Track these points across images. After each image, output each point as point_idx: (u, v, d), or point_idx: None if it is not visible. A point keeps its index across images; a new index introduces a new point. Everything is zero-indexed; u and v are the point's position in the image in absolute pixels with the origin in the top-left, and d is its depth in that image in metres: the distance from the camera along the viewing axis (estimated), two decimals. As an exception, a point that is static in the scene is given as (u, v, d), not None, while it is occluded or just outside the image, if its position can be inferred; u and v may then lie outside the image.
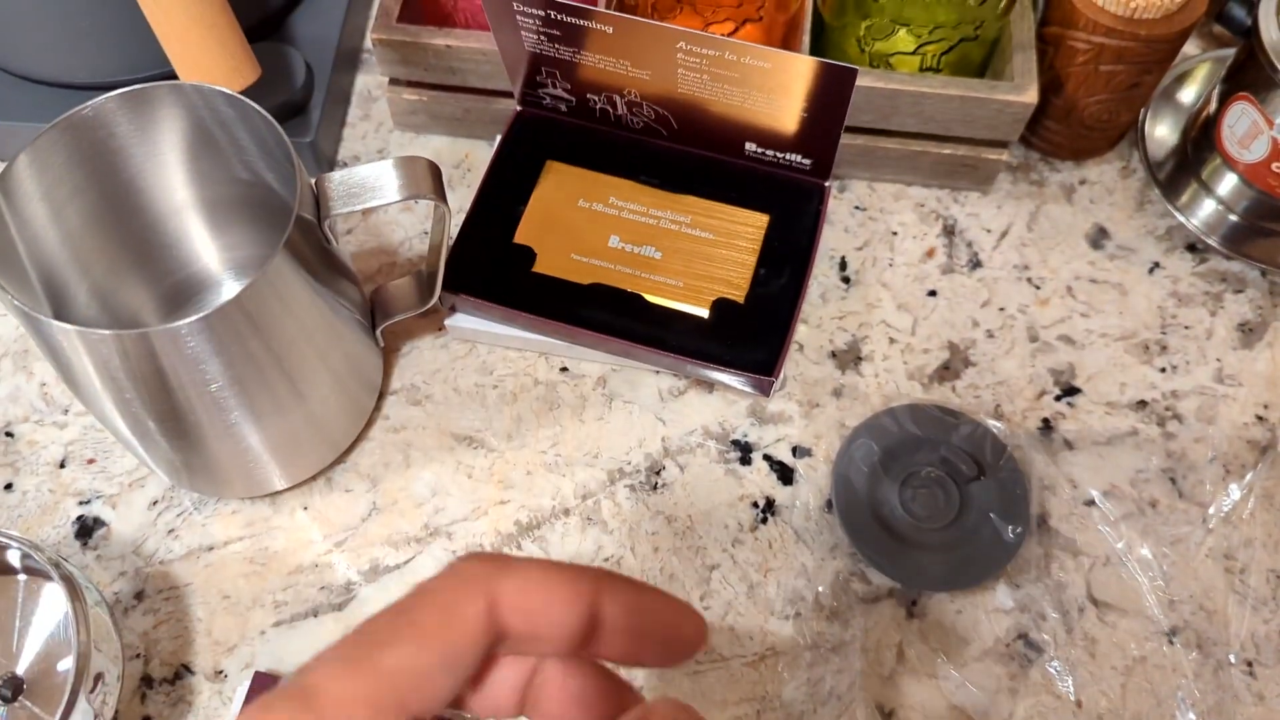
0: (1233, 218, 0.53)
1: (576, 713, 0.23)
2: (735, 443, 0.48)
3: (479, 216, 0.50)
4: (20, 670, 0.40)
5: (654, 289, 0.48)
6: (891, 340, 0.51)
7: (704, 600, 0.45)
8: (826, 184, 0.49)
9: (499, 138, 0.52)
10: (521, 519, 0.47)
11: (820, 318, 0.51)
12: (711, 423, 0.49)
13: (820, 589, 0.45)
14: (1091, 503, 0.47)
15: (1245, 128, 0.50)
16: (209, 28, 0.45)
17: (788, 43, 0.53)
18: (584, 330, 0.47)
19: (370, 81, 0.59)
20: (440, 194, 0.40)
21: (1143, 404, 0.49)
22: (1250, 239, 0.52)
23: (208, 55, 0.45)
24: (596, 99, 0.50)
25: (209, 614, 0.45)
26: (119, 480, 0.48)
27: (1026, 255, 0.53)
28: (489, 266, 0.49)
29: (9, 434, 0.49)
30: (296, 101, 0.53)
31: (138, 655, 0.44)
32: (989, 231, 0.54)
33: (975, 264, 0.53)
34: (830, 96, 0.43)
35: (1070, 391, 0.49)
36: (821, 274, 0.52)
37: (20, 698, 0.40)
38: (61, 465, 0.48)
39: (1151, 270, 0.53)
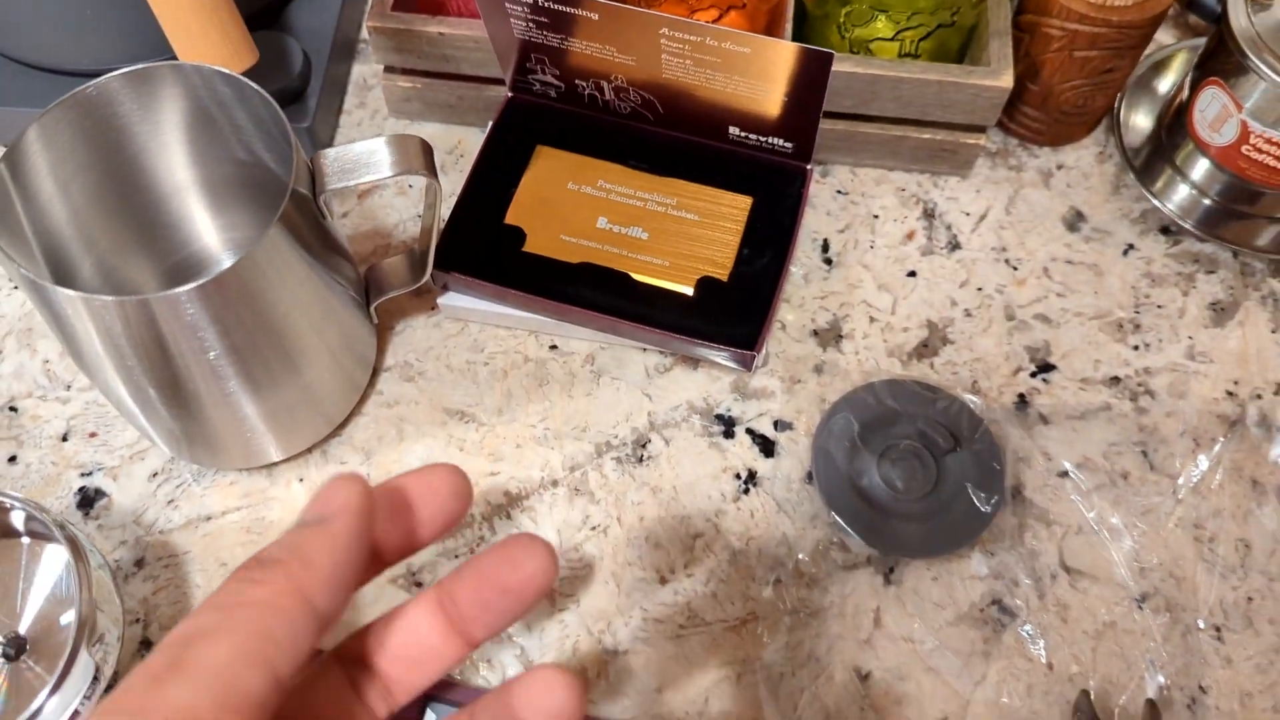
0: (1206, 201, 0.54)
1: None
2: (719, 417, 0.50)
3: (471, 198, 0.51)
4: (23, 630, 0.42)
5: (641, 268, 0.49)
6: (872, 319, 0.52)
7: (688, 568, 0.46)
8: (808, 167, 0.51)
9: (491, 123, 0.53)
10: (511, 490, 0.48)
11: (803, 298, 0.53)
12: (696, 398, 0.50)
13: (800, 556, 0.46)
14: (1065, 474, 0.48)
15: (1216, 111, 0.51)
16: (210, 14, 0.46)
17: (771, 30, 0.54)
18: (573, 308, 0.49)
19: (366, 71, 0.61)
20: (431, 170, 0.42)
21: (1116, 380, 0.50)
22: (1223, 221, 0.54)
23: (208, 42, 0.47)
24: (585, 85, 0.51)
25: (207, 581, 0.46)
26: (120, 453, 0.49)
27: (1004, 237, 0.55)
28: (481, 247, 0.50)
29: (13, 409, 0.50)
30: (294, 89, 0.55)
31: (137, 620, 0.45)
32: (968, 215, 0.55)
33: (954, 246, 0.54)
34: (809, 80, 0.45)
35: (1046, 368, 0.51)
36: (804, 256, 0.54)
37: (23, 656, 0.41)
38: (64, 439, 0.49)
39: (1126, 252, 0.54)
